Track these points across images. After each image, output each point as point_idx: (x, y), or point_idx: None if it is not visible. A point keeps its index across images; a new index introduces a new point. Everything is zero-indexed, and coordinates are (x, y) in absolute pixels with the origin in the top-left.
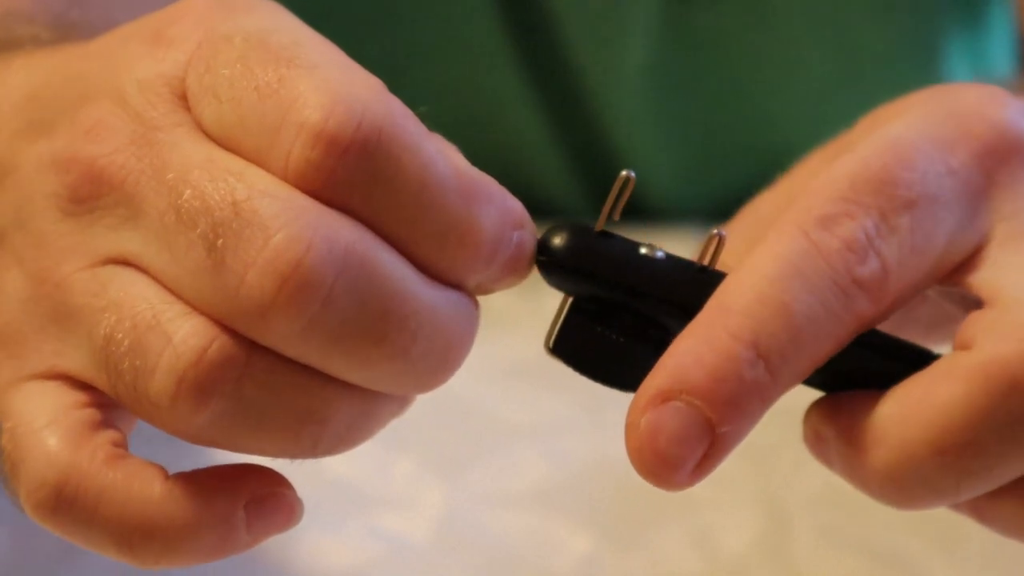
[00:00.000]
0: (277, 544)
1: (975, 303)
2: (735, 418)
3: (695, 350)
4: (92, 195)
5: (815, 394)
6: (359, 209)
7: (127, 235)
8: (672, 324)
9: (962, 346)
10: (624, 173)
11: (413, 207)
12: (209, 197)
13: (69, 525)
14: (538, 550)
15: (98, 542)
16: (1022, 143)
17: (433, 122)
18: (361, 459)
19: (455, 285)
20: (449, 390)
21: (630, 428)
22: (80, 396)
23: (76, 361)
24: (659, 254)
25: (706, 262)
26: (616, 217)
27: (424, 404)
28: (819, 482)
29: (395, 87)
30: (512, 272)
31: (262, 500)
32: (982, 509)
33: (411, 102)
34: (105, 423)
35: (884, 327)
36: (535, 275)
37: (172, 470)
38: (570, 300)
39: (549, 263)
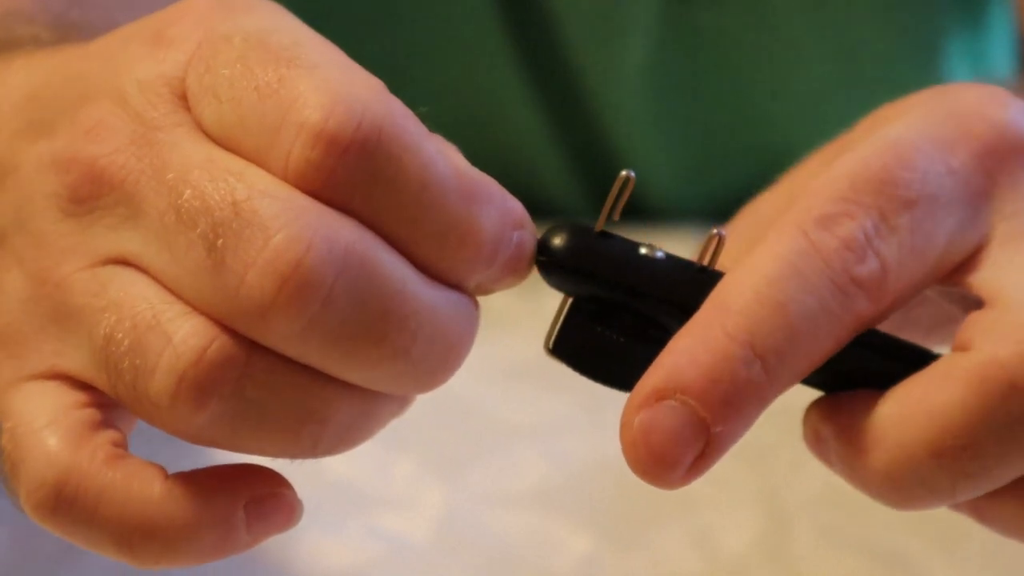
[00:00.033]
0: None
1: (975, 303)
2: (730, 418)
3: (691, 349)
4: (92, 195)
5: (814, 394)
6: (359, 209)
7: (127, 235)
8: (672, 324)
9: (961, 347)
10: (624, 173)
11: (413, 207)
12: (209, 197)
13: (69, 525)
14: (538, 550)
15: (98, 542)
16: (1023, 143)
17: (433, 122)
18: (361, 459)
19: (455, 285)
20: (449, 390)
21: (624, 426)
22: (80, 396)
23: (76, 361)
24: (659, 254)
25: (706, 262)
26: (616, 217)
27: (424, 404)
28: (819, 482)
29: (395, 87)
30: (512, 272)
31: (262, 500)
32: (982, 509)
33: (411, 102)
34: (105, 423)
35: (884, 327)
36: (535, 275)
37: (172, 470)
38: (570, 300)
39: (549, 263)
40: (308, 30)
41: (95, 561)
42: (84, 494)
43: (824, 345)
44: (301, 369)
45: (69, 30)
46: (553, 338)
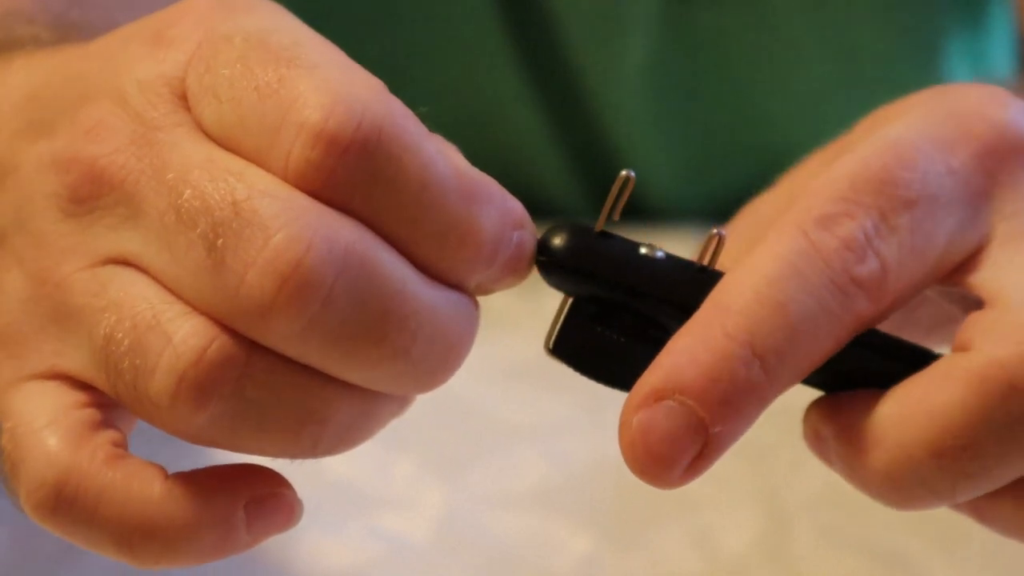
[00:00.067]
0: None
1: (976, 303)
2: (729, 418)
3: (691, 349)
4: (92, 195)
5: (814, 393)
6: (359, 209)
7: (127, 235)
8: (672, 324)
9: (961, 347)
10: (624, 173)
11: (413, 207)
12: (209, 197)
13: (69, 525)
14: (538, 550)
15: (98, 542)
16: (1023, 143)
17: (433, 122)
18: (361, 459)
19: (455, 285)
20: (449, 390)
21: (623, 426)
22: (80, 396)
23: (76, 361)
24: (659, 254)
25: (706, 262)
26: (616, 217)
27: (424, 404)
28: (819, 482)
29: (395, 87)
30: (512, 272)
31: (262, 500)
32: (982, 509)
33: (411, 102)
34: (105, 423)
35: (884, 327)
36: (535, 275)
37: (172, 470)
38: (570, 300)
39: (549, 263)
40: (308, 30)
41: (95, 561)
42: (84, 494)
43: (824, 345)
44: (301, 369)
45: (69, 30)
46: (553, 338)
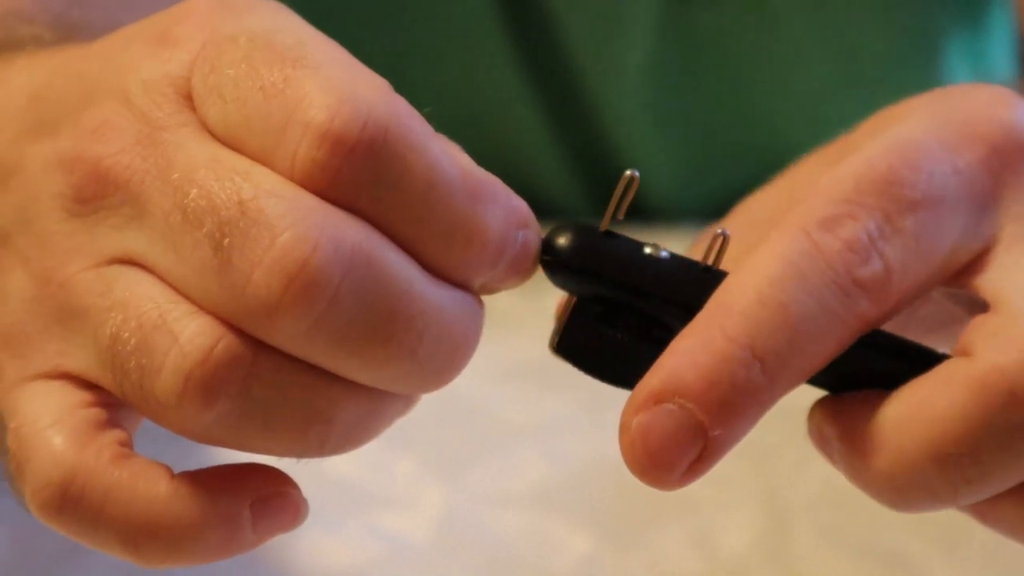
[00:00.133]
0: (277, 544)
1: (981, 305)
2: (729, 421)
3: (691, 350)
4: (97, 195)
5: (818, 393)
6: (365, 209)
7: (132, 235)
8: (676, 324)
9: (963, 352)
10: (628, 173)
11: (419, 207)
12: (215, 196)
13: (74, 524)
14: (538, 550)
15: (103, 541)
16: None
17: (433, 122)
18: (362, 458)
19: (461, 285)
20: (451, 389)
21: (623, 428)
22: (85, 395)
23: (81, 361)
24: (663, 254)
25: (710, 262)
26: (620, 217)
27: (425, 403)
28: (819, 482)
29: (395, 87)
30: (517, 272)
31: (267, 499)
32: (984, 510)
33: (411, 102)
34: (110, 422)
35: (886, 326)
36: (538, 275)
37: (177, 469)
38: (574, 300)
39: (554, 263)
40: (312, 30)
41: (96, 561)
42: (90, 493)
43: (826, 347)
44: (307, 369)
45: (70, 30)
46: (558, 338)
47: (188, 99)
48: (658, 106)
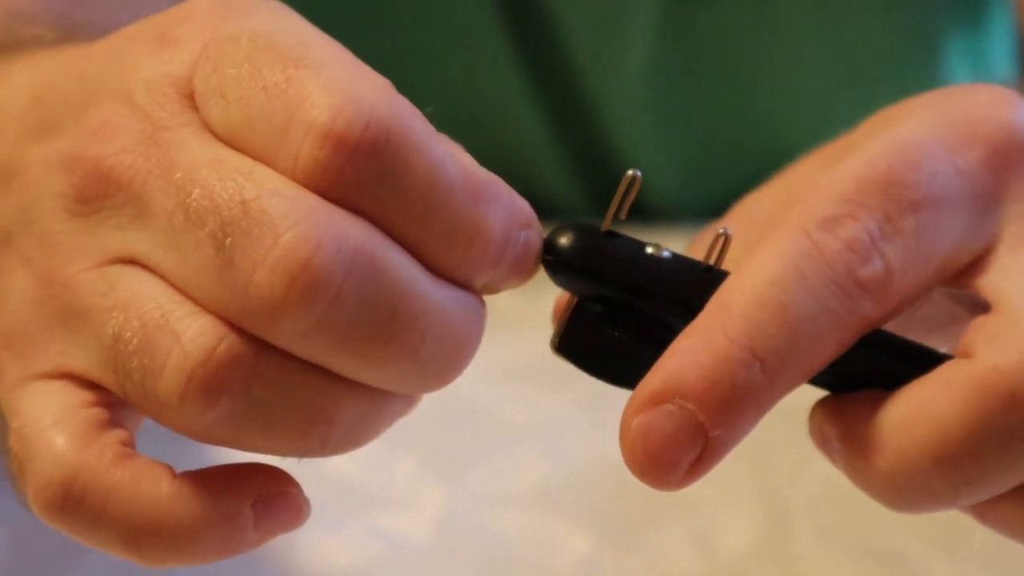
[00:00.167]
0: (277, 544)
1: (982, 306)
2: (729, 421)
3: (692, 351)
4: (99, 195)
5: (819, 393)
6: (368, 209)
7: (134, 235)
8: (678, 324)
9: (964, 353)
10: (630, 173)
11: (422, 207)
12: (218, 196)
13: (76, 524)
14: (538, 550)
15: (105, 541)
16: None
17: (434, 122)
18: (362, 458)
19: (463, 285)
20: (451, 390)
21: (624, 428)
22: (87, 395)
23: (83, 361)
24: (665, 254)
25: (712, 262)
26: (623, 217)
27: (425, 403)
28: (819, 482)
29: (395, 87)
30: (519, 272)
31: (269, 499)
32: (984, 510)
33: (412, 102)
34: (112, 422)
35: (887, 326)
36: (539, 275)
37: (179, 469)
38: (575, 300)
39: (555, 263)
40: (314, 29)
41: (96, 561)
42: (92, 493)
43: (826, 347)
44: (310, 368)
45: (72, 30)
46: (559, 337)
47: (190, 99)
48: (658, 106)
